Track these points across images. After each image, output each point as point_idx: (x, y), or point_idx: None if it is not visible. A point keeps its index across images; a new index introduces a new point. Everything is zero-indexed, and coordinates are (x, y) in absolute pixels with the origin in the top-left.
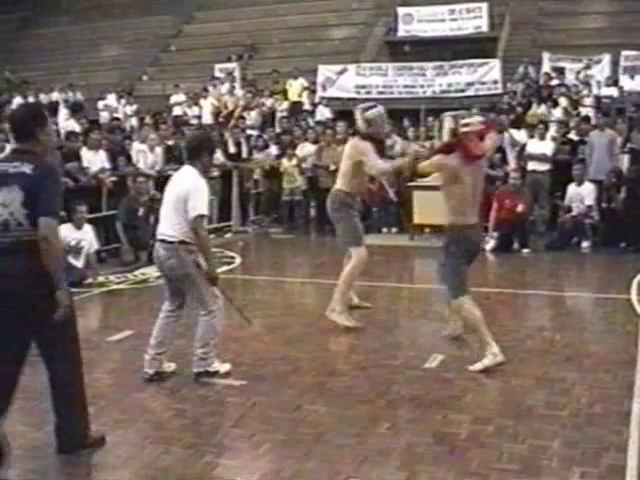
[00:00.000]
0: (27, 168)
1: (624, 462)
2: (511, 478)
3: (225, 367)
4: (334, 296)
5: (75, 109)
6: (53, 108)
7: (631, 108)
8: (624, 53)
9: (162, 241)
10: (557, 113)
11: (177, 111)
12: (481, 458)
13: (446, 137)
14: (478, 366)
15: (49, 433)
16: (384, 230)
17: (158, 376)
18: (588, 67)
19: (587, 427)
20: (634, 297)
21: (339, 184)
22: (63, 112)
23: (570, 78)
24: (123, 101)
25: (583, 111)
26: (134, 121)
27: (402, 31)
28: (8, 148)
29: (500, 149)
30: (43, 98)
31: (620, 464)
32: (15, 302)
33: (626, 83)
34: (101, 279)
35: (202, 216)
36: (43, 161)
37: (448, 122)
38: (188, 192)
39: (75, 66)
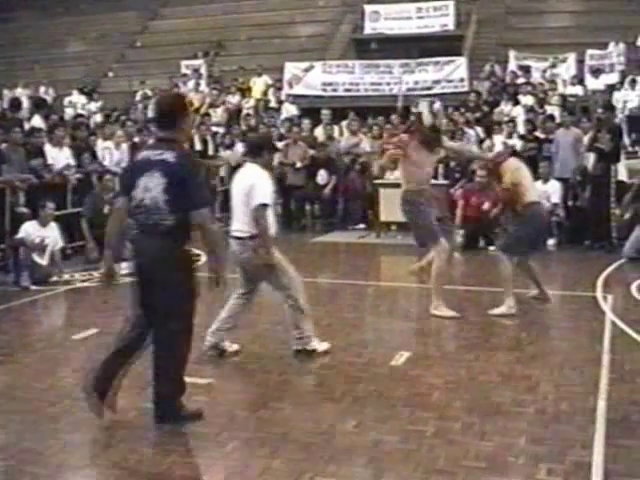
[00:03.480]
0: (169, 156)
1: (590, 459)
2: (478, 475)
3: (323, 346)
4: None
5: (39, 105)
6: (16, 104)
7: (598, 109)
8: (589, 52)
9: (235, 238)
10: (523, 111)
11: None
12: (448, 455)
13: (427, 121)
14: (497, 311)
15: None
16: (350, 227)
17: (217, 351)
18: (554, 66)
19: (553, 424)
20: (599, 294)
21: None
22: (26, 108)
23: (536, 76)
24: (83, 98)
25: (548, 109)
26: (99, 118)
27: (369, 29)
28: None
29: None
30: (6, 94)
31: (586, 461)
32: (147, 277)
33: (590, 82)
34: (66, 277)
35: (264, 205)
36: (183, 149)
37: (424, 107)
38: (252, 185)
39: (39, 62)
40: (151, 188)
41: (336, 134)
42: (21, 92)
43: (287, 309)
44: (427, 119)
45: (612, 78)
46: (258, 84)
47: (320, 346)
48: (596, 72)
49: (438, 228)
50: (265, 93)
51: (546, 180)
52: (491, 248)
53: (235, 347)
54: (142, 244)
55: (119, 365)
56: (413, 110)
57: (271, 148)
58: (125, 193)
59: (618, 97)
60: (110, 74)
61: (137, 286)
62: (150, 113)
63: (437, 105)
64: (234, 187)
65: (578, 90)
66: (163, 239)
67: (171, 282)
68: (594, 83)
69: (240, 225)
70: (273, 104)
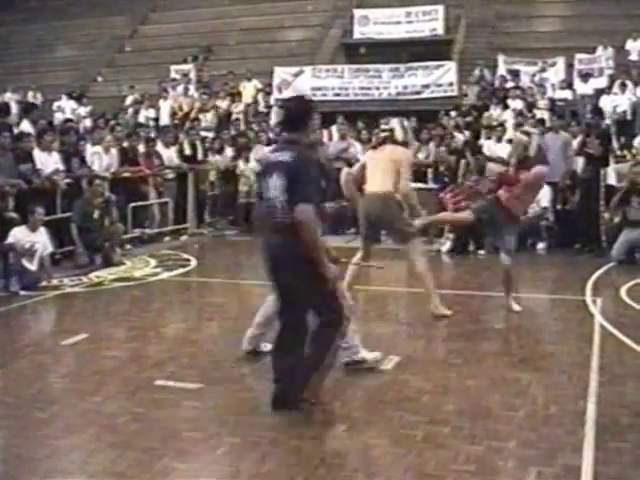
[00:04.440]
0: (288, 157)
1: (579, 462)
2: (468, 479)
3: (374, 355)
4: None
5: (27, 110)
6: (5, 109)
7: (587, 115)
8: (578, 56)
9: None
10: (512, 115)
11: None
12: (438, 459)
13: (399, 137)
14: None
15: None
16: (339, 231)
17: (254, 354)
18: (543, 70)
19: (543, 427)
20: (589, 298)
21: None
22: (15, 113)
23: (525, 81)
24: (72, 102)
25: (538, 113)
26: (88, 122)
27: (358, 33)
28: None
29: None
30: None
31: (575, 464)
32: (279, 275)
33: (579, 87)
34: (55, 282)
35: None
36: (303, 150)
37: (396, 123)
38: None
39: (27, 66)
40: (273, 189)
41: (325, 139)
42: (10, 97)
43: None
44: (399, 135)
45: (601, 82)
46: (248, 89)
47: (369, 355)
48: (585, 76)
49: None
50: (255, 98)
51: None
52: (480, 252)
53: (374, 355)
54: (271, 243)
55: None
56: (384, 127)
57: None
58: (259, 195)
59: (606, 101)
60: (99, 79)
61: (275, 285)
62: (141, 118)
63: (407, 122)
64: None
65: (567, 94)
66: (285, 238)
67: (302, 277)
68: (583, 88)
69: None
70: (262, 109)
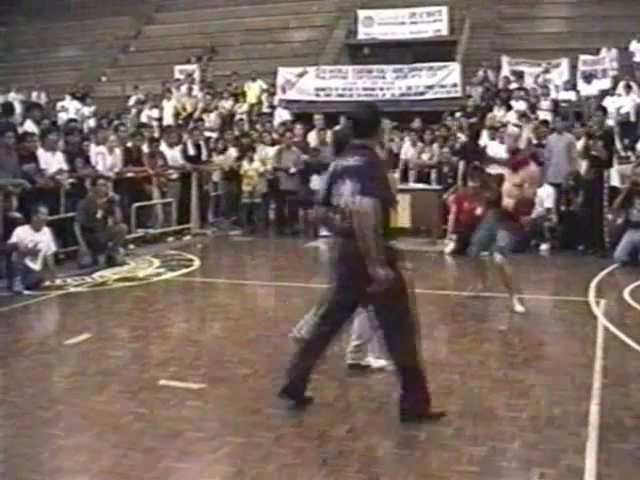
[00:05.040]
0: (358, 161)
1: (582, 463)
2: None
3: (379, 362)
4: None
5: (29, 109)
6: (9, 109)
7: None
8: (582, 57)
9: (325, 237)
10: (513, 116)
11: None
12: (441, 460)
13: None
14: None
15: None
16: None
17: (362, 367)
18: (547, 71)
19: (546, 429)
20: (592, 299)
21: None
22: (19, 113)
23: (529, 82)
24: (76, 102)
25: (541, 115)
26: (92, 122)
27: (362, 34)
28: None
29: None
30: None
31: (579, 465)
32: (348, 276)
33: (583, 88)
34: (59, 282)
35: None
36: (373, 154)
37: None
38: None
39: (32, 66)
40: (342, 193)
41: (329, 139)
42: (14, 96)
43: (363, 315)
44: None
45: (605, 83)
46: (253, 89)
47: (375, 362)
48: (588, 77)
49: None
50: (260, 98)
51: (539, 185)
52: (484, 253)
53: (381, 362)
54: (341, 247)
55: (311, 361)
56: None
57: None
58: (323, 201)
59: (610, 103)
60: (103, 79)
61: (338, 286)
62: (143, 118)
63: (387, 122)
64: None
65: (571, 95)
66: (354, 242)
67: (365, 282)
68: (587, 89)
69: None
70: (265, 109)
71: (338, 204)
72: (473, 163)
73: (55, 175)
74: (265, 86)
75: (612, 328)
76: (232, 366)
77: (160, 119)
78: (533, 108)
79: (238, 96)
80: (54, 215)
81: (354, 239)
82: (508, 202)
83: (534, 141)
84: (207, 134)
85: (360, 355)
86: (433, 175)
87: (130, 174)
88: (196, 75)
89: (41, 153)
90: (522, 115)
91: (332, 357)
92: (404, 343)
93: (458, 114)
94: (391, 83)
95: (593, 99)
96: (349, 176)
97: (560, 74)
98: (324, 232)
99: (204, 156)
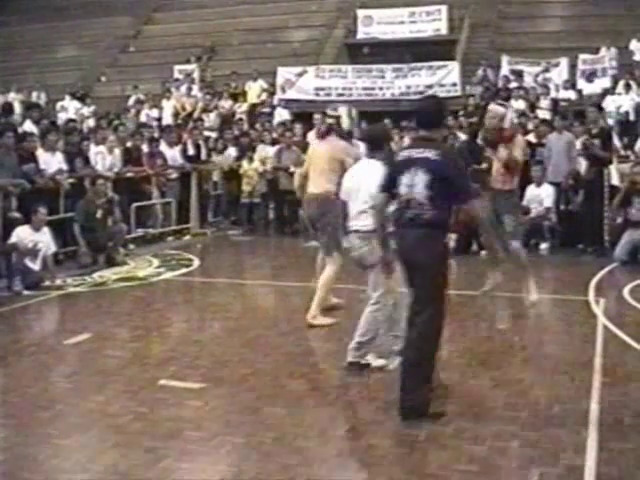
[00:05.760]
0: (431, 154)
1: (582, 462)
2: (471, 479)
3: (380, 362)
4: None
5: (28, 109)
6: (8, 109)
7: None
8: (582, 57)
9: (357, 231)
10: (515, 116)
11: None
12: (441, 459)
13: (346, 125)
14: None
15: None
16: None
17: (361, 365)
18: (546, 70)
19: (546, 428)
20: (592, 298)
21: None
22: (18, 113)
23: (528, 81)
24: (75, 102)
25: (540, 114)
26: (91, 122)
27: (361, 33)
28: None
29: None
30: None
31: (579, 464)
32: (411, 264)
33: (585, 86)
34: (58, 282)
35: None
36: (444, 147)
37: (343, 112)
38: None
39: (31, 66)
40: (414, 184)
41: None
42: (14, 97)
43: (366, 314)
44: (346, 123)
45: (604, 82)
46: (254, 89)
47: (375, 361)
48: (590, 76)
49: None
50: (259, 97)
51: (539, 184)
52: (483, 252)
53: (381, 361)
54: (405, 235)
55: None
56: (330, 113)
57: (389, 140)
58: (385, 190)
59: (609, 101)
60: (103, 79)
61: (404, 273)
62: (143, 118)
63: (355, 111)
64: (354, 184)
65: (570, 94)
66: (422, 231)
67: (429, 270)
68: (588, 87)
69: (364, 220)
70: (265, 109)
71: (405, 193)
72: (472, 163)
73: (55, 175)
74: (266, 86)
75: (612, 327)
76: (232, 366)
77: (160, 119)
78: (533, 107)
79: (237, 96)
80: (54, 215)
81: (422, 228)
82: (502, 154)
83: (533, 140)
84: (207, 134)
85: (361, 353)
86: None
87: (130, 174)
88: (195, 75)
89: (41, 153)
90: (522, 114)
91: (331, 357)
92: (435, 336)
93: (461, 113)
94: (391, 82)
95: (597, 97)
96: (421, 168)
97: (559, 73)
98: (357, 227)
99: (204, 156)
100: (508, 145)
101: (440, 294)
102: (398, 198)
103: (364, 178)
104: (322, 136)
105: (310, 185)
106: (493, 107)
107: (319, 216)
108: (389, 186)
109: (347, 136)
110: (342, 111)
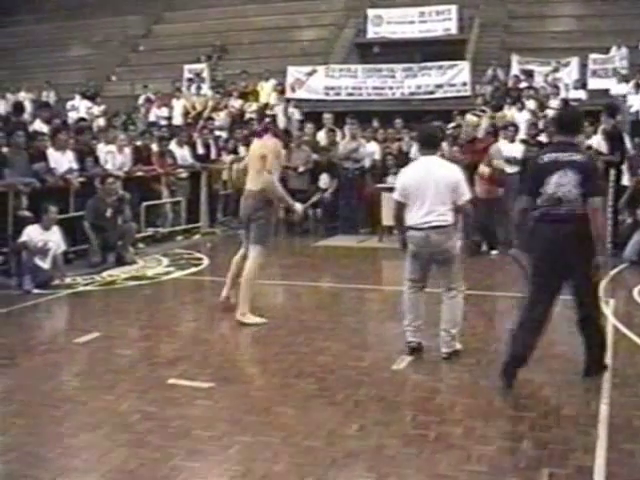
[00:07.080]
0: (579, 157)
1: (592, 463)
2: (480, 479)
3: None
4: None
5: (39, 108)
6: (19, 108)
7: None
8: (592, 56)
9: (436, 227)
10: (525, 116)
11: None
12: (450, 460)
13: (282, 124)
14: None
15: None
16: (352, 231)
17: (454, 355)
18: (556, 70)
19: (555, 428)
20: (601, 299)
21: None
22: (29, 112)
23: (539, 81)
24: (86, 101)
25: (550, 113)
26: (101, 121)
27: (372, 33)
28: None
29: None
30: (10, 97)
31: (588, 465)
32: (564, 254)
33: (595, 85)
34: (68, 280)
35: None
36: (585, 151)
37: (279, 110)
38: (458, 181)
39: (42, 66)
40: (564, 184)
41: (338, 138)
42: (24, 96)
43: (450, 304)
44: (281, 122)
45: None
46: (266, 89)
47: (459, 345)
48: (600, 75)
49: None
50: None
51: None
52: (493, 252)
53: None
54: (552, 232)
55: (530, 340)
56: (268, 112)
57: (442, 141)
58: (532, 192)
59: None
60: (113, 78)
61: (547, 270)
62: (153, 117)
63: (297, 111)
64: (427, 182)
65: (581, 94)
66: (573, 226)
67: (583, 261)
68: (599, 86)
69: (443, 216)
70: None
71: (555, 192)
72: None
73: (65, 174)
74: (279, 86)
75: (622, 328)
76: (241, 365)
77: (170, 118)
78: (543, 107)
79: (247, 95)
80: (64, 214)
81: (572, 224)
82: (483, 171)
83: (544, 139)
84: (217, 133)
85: (453, 342)
86: None
87: (140, 173)
88: (205, 74)
89: (51, 152)
90: (532, 114)
91: (340, 356)
92: (599, 315)
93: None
94: (401, 82)
95: (610, 98)
96: (572, 169)
97: (569, 73)
98: (437, 222)
99: (213, 155)
100: (485, 159)
101: (594, 283)
102: (545, 196)
103: (433, 176)
104: (259, 134)
105: (247, 182)
106: (468, 117)
107: (253, 211)
108: (536, 187)
109: (284, 134)
110: (279, 109)
